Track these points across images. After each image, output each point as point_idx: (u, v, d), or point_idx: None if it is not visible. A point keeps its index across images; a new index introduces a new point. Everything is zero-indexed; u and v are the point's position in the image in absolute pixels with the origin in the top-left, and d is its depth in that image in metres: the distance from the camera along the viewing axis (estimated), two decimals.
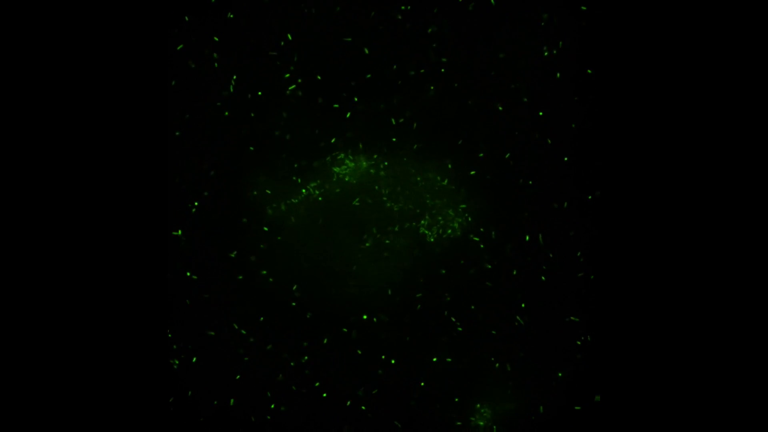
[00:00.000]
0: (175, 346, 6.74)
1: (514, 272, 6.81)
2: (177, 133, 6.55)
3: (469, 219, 6.84)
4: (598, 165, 6.74)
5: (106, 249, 5.90)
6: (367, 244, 6.81)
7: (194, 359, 6.75)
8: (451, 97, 6.88)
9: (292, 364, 6.78)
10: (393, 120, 6.80)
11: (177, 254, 6.79)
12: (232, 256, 6.83)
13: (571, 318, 6.67)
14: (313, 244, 6.84)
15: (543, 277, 6.77)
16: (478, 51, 6.77)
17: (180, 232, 6.55)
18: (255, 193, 6.86)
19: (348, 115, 6.73)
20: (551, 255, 6.67)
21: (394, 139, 6.79)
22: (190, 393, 6.66)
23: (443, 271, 6.82)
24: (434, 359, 6.77)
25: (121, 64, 5.85)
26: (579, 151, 6.81)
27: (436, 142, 6.87)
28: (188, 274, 6.77)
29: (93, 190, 5.89)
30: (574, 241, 6.85)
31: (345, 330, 6.81)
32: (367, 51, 6.57)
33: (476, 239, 6.87)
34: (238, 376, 6.74)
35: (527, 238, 6.81)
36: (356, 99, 6.76)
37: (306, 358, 6.74)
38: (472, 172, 6.67)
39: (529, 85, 6.78)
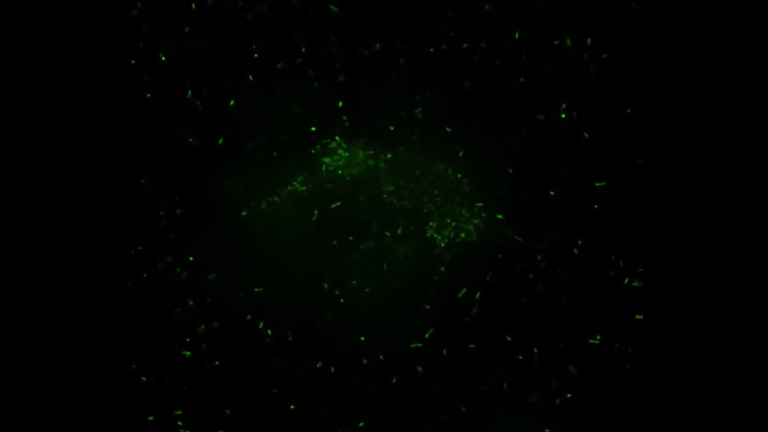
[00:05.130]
0: (134, 366, 6.71)
1: (541, 288, 6.70)
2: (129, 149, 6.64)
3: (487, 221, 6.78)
4: (640, 163, 6.70)
5: (64, 262, 5.97)
6: (362, 247, 6.71)
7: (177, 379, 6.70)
8: (469, 74, 6.79)
9: (271, 388, 6.66)
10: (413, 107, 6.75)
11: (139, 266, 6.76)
12: (190, 258, 6.74)
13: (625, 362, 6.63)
14: (299, 251, 6.76)
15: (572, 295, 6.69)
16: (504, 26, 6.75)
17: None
18: (227, 185, 6.80)
19: (340, 104, 6.68)
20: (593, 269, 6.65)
21: (391, 127, 6.71)
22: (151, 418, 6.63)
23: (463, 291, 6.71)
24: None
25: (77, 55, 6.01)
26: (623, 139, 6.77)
27: (446, 128, 6.78)
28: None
29: (46, 196, 5.98)
30: (614, 250, 6.73)
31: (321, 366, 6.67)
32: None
33: (498, 242, 6.77)
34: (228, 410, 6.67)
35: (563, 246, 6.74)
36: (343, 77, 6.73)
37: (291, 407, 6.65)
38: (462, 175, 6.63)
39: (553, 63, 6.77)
